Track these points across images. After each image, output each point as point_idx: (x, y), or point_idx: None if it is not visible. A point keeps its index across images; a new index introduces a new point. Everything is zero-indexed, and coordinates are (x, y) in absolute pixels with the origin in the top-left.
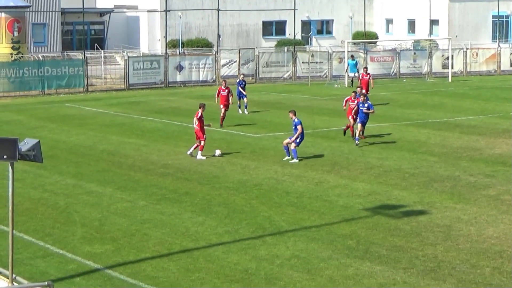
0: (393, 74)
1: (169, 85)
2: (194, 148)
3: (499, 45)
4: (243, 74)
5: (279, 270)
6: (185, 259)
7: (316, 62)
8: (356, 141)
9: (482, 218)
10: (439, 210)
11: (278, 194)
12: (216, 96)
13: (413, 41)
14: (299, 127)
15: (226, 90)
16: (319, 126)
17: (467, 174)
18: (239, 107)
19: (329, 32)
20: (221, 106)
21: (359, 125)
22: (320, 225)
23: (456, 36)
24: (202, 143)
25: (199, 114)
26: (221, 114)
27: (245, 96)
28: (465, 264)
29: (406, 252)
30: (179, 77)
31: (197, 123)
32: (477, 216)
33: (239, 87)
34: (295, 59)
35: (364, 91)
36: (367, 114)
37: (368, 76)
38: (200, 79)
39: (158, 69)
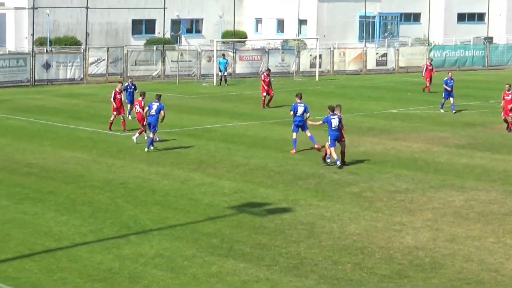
0: (261, 73)
1: (36, 83)
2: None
3: (365, 45)
4: (131, 78)
5: (142, 269)
6: (48, 259)
7: (185, 61)
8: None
9: (344, 215)
10: (303, 207)
11: (143, 192)
12: (112, 99)
13: (282, 40)
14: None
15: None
16: (187, 124)
17: (331, 172)
18: (129, 113)
19: (198, 31)
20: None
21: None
22: (185, 223)
23: (324, 36)
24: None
25: (142, 103)
26: (112, 118)
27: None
28: (327, 261)
29: (269, 249)
30: (46, 75)
31: (138, 109)
32: (340, 213)
33: (129, 91)
34: (164, 57)
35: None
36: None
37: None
38: (68, 77)
39: (24, 67)
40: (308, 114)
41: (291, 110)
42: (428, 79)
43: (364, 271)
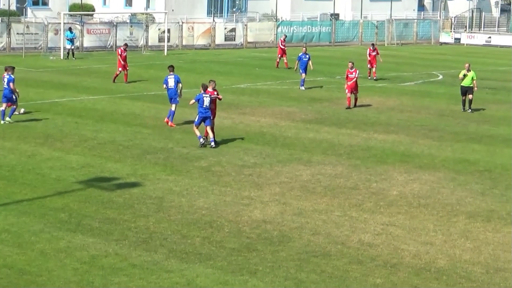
0: (109, 46)
1: None
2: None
3: (214, 20)
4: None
5: None
6: None
7: (32, 34)
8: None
9: (193, 190)
10: (152, 182)
11: None
12: None
13: (130, 14)
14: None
15: None
16: (34, 98)
17: (180, 146)
18: None
19: (45, 3)
20: None
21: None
22: (32, 198)
23: (173, 10)
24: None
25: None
26: None
27: None
28: (176, 235)
29: (118, 224)
30: None
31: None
32: (188, 187)
33: None
34: (9, 30)
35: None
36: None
37: None
38: None
39: None
40: (180, 85)
41: (163, 84)
42: (281, 55)
43: (213, 245)
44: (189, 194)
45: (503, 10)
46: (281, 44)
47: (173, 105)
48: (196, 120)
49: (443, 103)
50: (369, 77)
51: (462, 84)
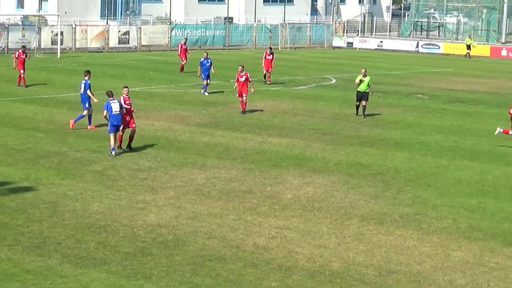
0: (1, 49)
1: None
2: None
3: (107, 23)
4: None
5: None
6: None
7: None
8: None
9: (87, 194)
10: (45, 186)
11: None
12: None
13: (22, 16)
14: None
15: None
16: None
17: (73, 150)
18: None
19: None
20: None
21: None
22: None
23: (66, 12)
24: None
25: None
26: None
27: None
28: (70, 240)
29: (11, 229)
30: None
31: None
32: (83, 191)
33: None
34: None
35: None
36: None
37: None
38: None
39: None
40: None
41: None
42: (184, 58)
43: (108, 249)
44: (83, 198)
45: (394, 15)
46: (182, 48)
47: (85, 111)
48: (109, 128)
49: (336, 107)
50: (264, 81)
51: (358, 90)
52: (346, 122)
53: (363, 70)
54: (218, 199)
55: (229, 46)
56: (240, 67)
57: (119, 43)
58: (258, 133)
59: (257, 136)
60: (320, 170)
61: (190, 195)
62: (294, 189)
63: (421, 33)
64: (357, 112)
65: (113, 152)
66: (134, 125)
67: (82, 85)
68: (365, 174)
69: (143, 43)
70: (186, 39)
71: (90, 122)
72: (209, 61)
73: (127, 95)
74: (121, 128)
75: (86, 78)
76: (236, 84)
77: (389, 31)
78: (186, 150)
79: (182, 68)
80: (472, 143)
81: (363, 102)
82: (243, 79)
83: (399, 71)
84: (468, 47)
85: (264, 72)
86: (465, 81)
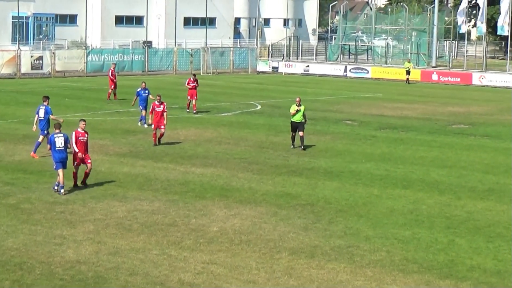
0: None
1: None
2: None
3: (19, 47)
4: None
5: None
6: None
7: None
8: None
9: (1, 229)
10: None
11: None
12: None
13: None
14: None
15: None
16: None
17: None
18: None
19: None
20: None
21: None
22: None
23: None
24: None
25: None
26: None
27: None
28: None
29: None
30: None
31: None
32: None
33: None
34: None
35: None
36: None
37: None
38: None
39: None
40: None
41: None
42: (112, 86)
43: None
44: None
45: (320, 38)
46: (111, 74)
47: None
48: (54, 165)
49: (262, 135)
50: (188, 110)
51: (293, 120)
52: (273, 150)
53: (297, 99)
54: (140, 232)
55: (149, 71)
56: (158, 96)
57: (32, 68)
58: (181, 163)
59: (180, 166)
60: (247, 201)
61: (110, 229)
62: (220, 221)
63: (349, 57)
64: (293, 145)
65: (62, 190)
66: (89, 161)
67: (42, 111)
68: (294, 205)
69: (58, 68)
70: (115, 65)
71: (35, 150)
72: (147, 91)
73: (83, 130)
74: (75, 164)
75: (46, 103)
76: (150, 115)
77: (316, 55)
78: (105, 182)
79: (109, 96)
80: (404, 170)
81: (300, 133)
82: (160, 109)
83: (327, 96)
84: (408, 72)
85: (189, 100)
86: (395, 106)
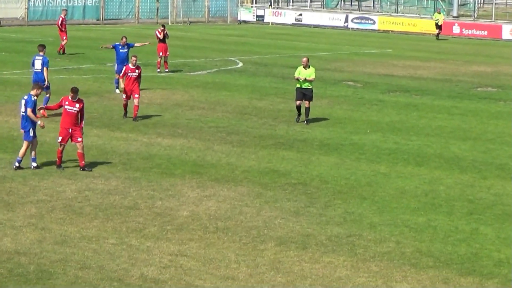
0: None
1: None
2: None
3: None
4: None
5: None
6: None
7: None
8: None
9: None
10: None
11: None
12: None
13: None
14: None
15: None
16: None
17: None
18: None
19: None
20: None
21: None
22: None
23: None
24: None
25: None
26: None
27: None
28: None
29: None
30: None
31: None
32: None
33: None
34: None
35: None
36: None
37: None
38: None
39: None
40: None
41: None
42: (64, 37)
43: None
44: None
45: None
46: (61, 23)
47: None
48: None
49: (244, 98)
50: (159, 69)
51: (298, 86)
52: (257, 117)
53: (304, 59)
54: (94, 217)
55: (104, 20)
56: (133, 58)
57: None
58: (144, 132)
59: (143, 136)
60: (225, 180)
61: (57, 213)
62: (192, 204)
63: (351, 4)
64: (299, 117)
65: (16, 163)
66: (80, 140)
67: (38, 62)
68: (283, 185)
69: None
70: (66, 10)
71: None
72: (126, 48)
73: (72, 99)
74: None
75: (42, 53)
76: (122, 81)
77: (310, 1)
78: (51, 154)
79: (62, 50)
80: (418, 143)
81: (306, 103)
82: (135, 74)
83: (323, 52)
84: (439, 26)
85: (160, 56)
86: (407, 64)
